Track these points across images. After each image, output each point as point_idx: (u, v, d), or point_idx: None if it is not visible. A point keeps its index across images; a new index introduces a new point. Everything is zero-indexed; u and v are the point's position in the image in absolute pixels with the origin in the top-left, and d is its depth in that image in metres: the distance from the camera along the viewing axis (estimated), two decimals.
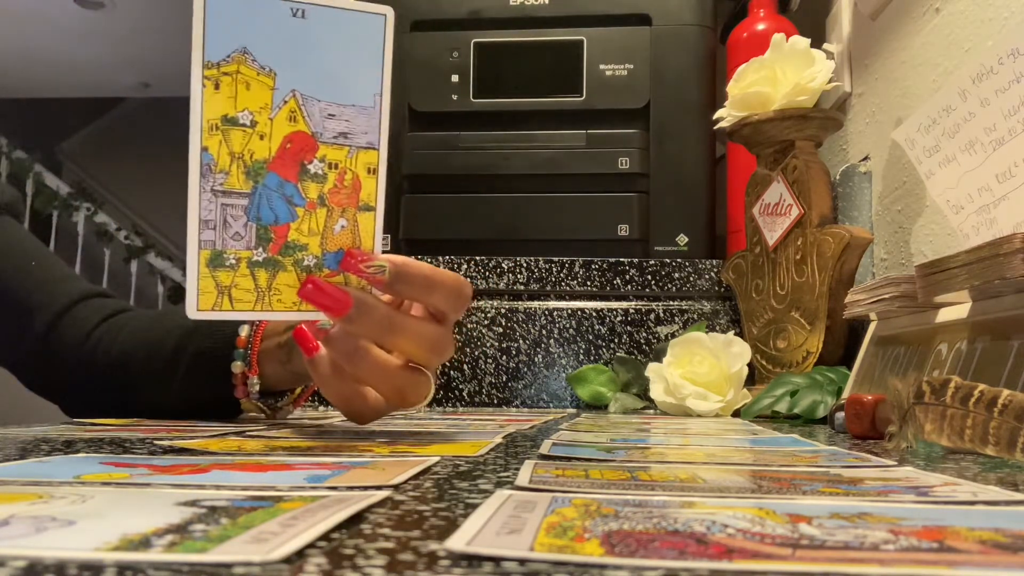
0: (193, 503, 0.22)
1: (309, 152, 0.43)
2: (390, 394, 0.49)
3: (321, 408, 0.99)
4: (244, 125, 0.41)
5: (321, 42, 0.43)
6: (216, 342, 0.62)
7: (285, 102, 0.42)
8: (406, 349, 0.47)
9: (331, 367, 0.48)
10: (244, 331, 0.61)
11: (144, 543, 0.18)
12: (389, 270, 0.44)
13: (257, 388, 0.60)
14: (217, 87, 0.41)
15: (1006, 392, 0.37)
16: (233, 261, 0.42)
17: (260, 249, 0.43)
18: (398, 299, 0.48)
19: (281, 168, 0.42)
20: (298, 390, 0.65)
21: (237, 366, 0.60)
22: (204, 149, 0.41)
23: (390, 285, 0.45)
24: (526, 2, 1.17)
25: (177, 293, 5.13)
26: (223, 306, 0.42)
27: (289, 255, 0.43)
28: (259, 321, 0.61)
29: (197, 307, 0.42)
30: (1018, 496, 0.27)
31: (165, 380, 0.64)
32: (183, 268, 5.17)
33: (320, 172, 0.43)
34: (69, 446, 0.40)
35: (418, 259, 0.46)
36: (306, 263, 0.44)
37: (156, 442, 0.43)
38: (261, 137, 0.42)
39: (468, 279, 1.09)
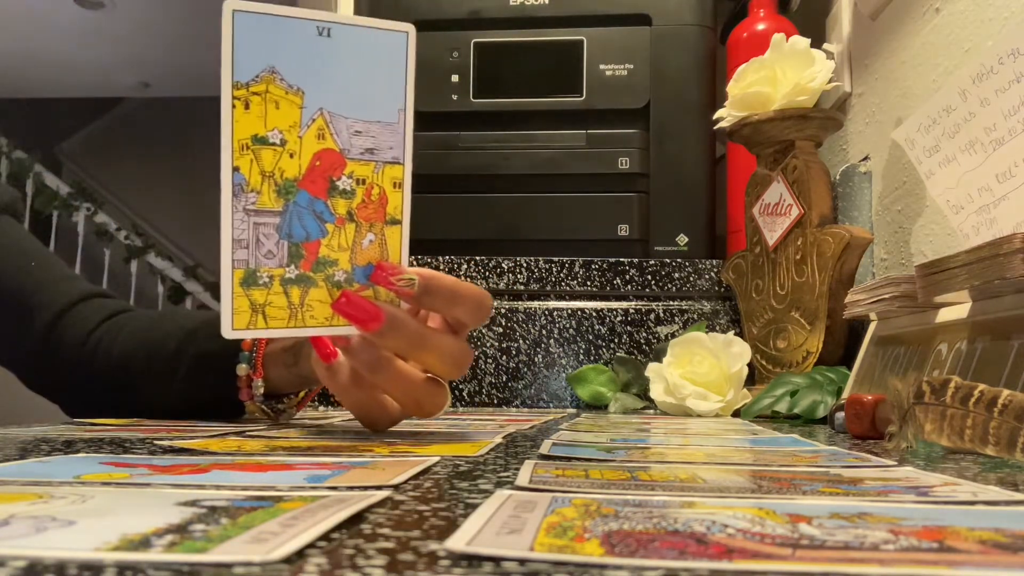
0: (193, 503, 0.22)
1: (337, 169, 0.44)
2: (408, 404, 0.49)
3: (321, 408, 0.99)
4: (274, 144, 0.42)
5: (346, 60, 0.43)
6: (219, 344, 0.61)
7: (313, 120, 0.43)
8: (431, 363, 0.48)
9: (350, 375, 0.48)
10: None
11: (144, 543, 0.18)
12: (418, 283, 0.45)
13: (262, 391, 0.61)
14: (247, 107, 0.41)
15: (1006, 392, 0.37)
16: (267, 279, 0.42)
17: (292, 266, 0.43)
18: (416, 308, 0.49)
19: (311, 185, 0.43)
20: (301, 394, 0.65)
21: (242, 368, 0.60)
22: (236, 169, 0.41)
23: (418, 298, 0.45)
24: (526, 2, 1.17)
25: (177, 293, 5.13)
26: (258, 324, 0.43)
27: (320, 271, 0.44)
28: None
29: (233, 326, 0.42)
30: (1018, 496, 0.27)
31: (166, 381, 0.64)
32: (183, 268, 5.15)
33: (348, 188, 0.44)
34: (69, 446, 0.40)
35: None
36: (337, 278, 0.44)
37: (156, 442, 0.43)
38: (291, 155, 0.42)
39: (468, 279, 1.09)
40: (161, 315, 0.71)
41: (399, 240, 0.46)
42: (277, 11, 0.41)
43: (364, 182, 0.44)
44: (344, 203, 0.44)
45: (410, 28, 0.45)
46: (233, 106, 0.41)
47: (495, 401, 1.07)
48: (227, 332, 0.42)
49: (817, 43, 0.94)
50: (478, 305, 0.47)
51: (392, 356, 0.47)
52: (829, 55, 0.96)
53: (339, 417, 0.71)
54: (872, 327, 0.78)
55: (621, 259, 1.09)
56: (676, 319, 1.07)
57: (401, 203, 0.45)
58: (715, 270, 1.08)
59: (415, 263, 1.10)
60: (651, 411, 0.95)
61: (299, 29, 0.42)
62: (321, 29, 0.42)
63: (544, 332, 1.08)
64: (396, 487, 0.27)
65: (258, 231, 0.42)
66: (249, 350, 0.60)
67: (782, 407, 0.78)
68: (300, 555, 0.17)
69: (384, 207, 0.45)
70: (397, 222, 0.46)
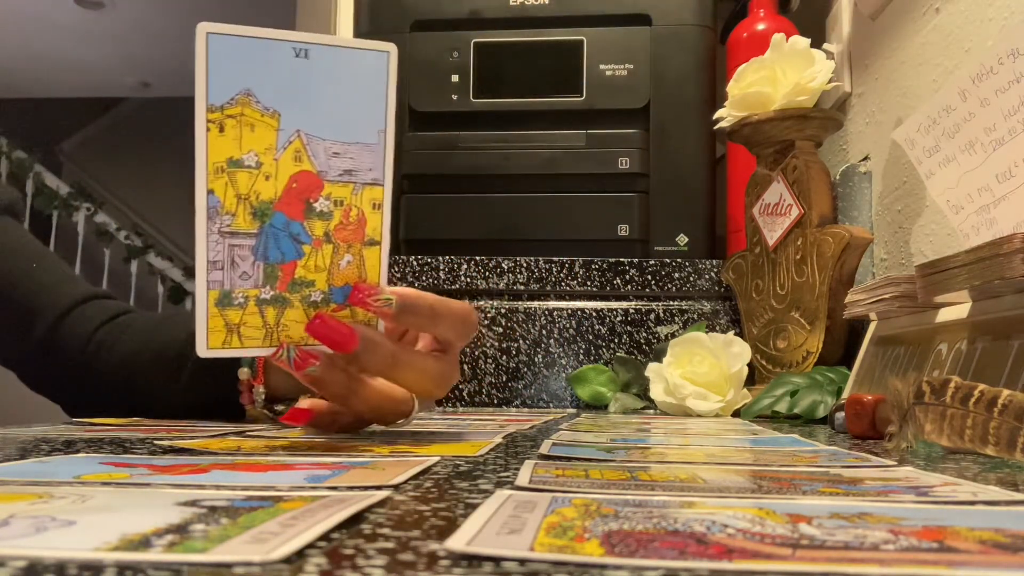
0: (193, 503, 0.22)
1: (315, 191, 0.43)
2: (376, 418, 0.50)
3: None
4: (250, 167, 0.42)
5: (324, 81, 0.43)
6: None
7: (290, 142, 0.42)
8: (409, 383, 0.48)
9: (330, 418, 0.49)
10: None
11: (144, 543, 0.18)
12: (396, 302, 0.45)
13: (263, 397, 0.61)
14: (222, 130, 0.41)
15: (1006, 392, 0.37)
16: (241, 300, 0.43)
17: (268, 287, 0.43)
18: (402, 329, 0.49)
19: (287, 207, 0.43)
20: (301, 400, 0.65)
21: (244, 372, 0.61)
22: (210, 192, 0.41)
23: (396, 317, 0.45)
24: (526, 2, 1.17)
25: (177, 293, 5.13)
26: (232, 344, 0.43)
27: (296, 292, 0.44)
28: None
29: (207, 345, 0.42)
30: (1018, 496, 0.27)
31: (169, 383, 0.64)
32: (183, 268, 5.14)
33: (326, 210, 0.44)
34: (69, 446, 0.40)
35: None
36: (313, 299, 0.44)
37: (156, 442, 0.43)
38: (267, 178, 0.42)
39: (468, 279, 1.09)
40: (164, 318, 0.71)
41: (378, 261, 0.46)
42: (252, 33, 0.41)
43: (342, 203, 0.44)
44: (321, 224, 0.44)
45: (391, 48, 0.44)
46: (208, 129, 0.40)
47: (495, 401, 1.07)
48: (202, 351, 0.42)
49: (817, 43, 0.94)
50: (461, 321, 0.48)
51: (361, 378, 0.47)
52: (829, 55, 0.96)
53: None
54: (872, 327, 0.78)
55: (621, 259, 1.09)
56: (676, 319, 1.07)
57: (380, 224, 0.45)
58: (715, 270, 1.08)
59: (415, 263, 1.10)
60: (651, 411, 0.95)
61: (275, 51, 0.42)
62: (298, 51, 0.42)
63: (544, 332, 1.08)
64: (396, 487, 0.27)
65: (233, 252, 0.42)
66: None
67: (782, 407, 0.78)
68: (300, 555, 0.17)
69: (363, 228, 0.45)
70: (376, 243, 0.46)
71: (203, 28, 0.40)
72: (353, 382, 0.46)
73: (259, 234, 0.42)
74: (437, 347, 0.49)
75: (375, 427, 0.54)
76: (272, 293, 0.43)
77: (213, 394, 0.63)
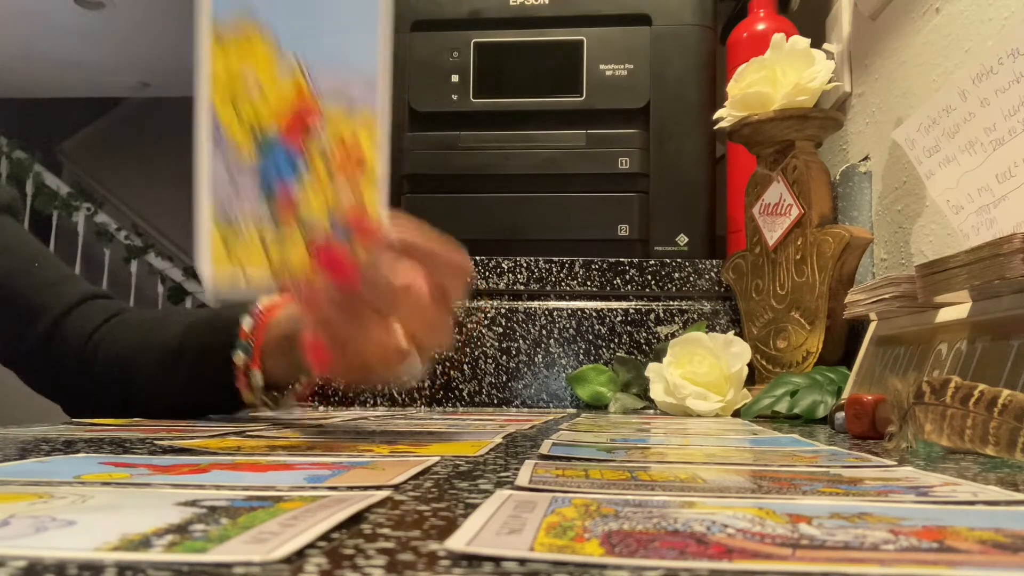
0: (193, 503, 0.22)
1: (314, 121, 0.43)
2: (379, 366, 0.49)
3: (321, 408, 0.99)
4: (251, 94, 0.42)
5: (323, 10, 0.43)
6: (218, 336, 0.62)
7: (291, 69, 0.42)
8: (405, 323, 0.47)
9: (340, 364, 0.48)
10: (247, 324, 0.61)
11: (144, 543, 0.18)
12: (395, 237, 0.44)
13: (261, 382, 0.61)
14: (225, 55, 0.41)
15: (1006, 392, 0.37)
16: (244, 231, 0.42)
17: (271, 219, 0.42)
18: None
19: (288, 136, 0.43)
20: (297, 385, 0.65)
21: (240, 357, 0.60)
22: (214, 114, 0.41)
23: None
24: (526, 2, 1.17)
25: (177, 293, 5.13)
26: (238, 282, 0.42)
27: (298, 225, 0.43)
28: (262, 311, 0.61)
29: (214, 279, 0.42)
30: (1018, 496, 0.27)
31: (170, 376, 0.64)
32: (183, 268, 5.12)
33: (325, 143, 0.43)
34: (69, 446, 0.40)
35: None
36: (315, 233, 0.44)
37: (156, 442, 0.43)
38: (267, 106, 0.42)
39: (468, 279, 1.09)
40: (161, 315, 0.72)
41: (376, 195, 0.45)
42: None
43: (341, 136, 0.44)
44: (321, 157, 0.43)
45: None
46: (212, 52, 0.40)
47: (495, 401, 1.07)
48: (209, 290, 0.42)
49: (817, 43, 0.94)
50: (455, 265, 0.48)
51: (362, 323, 0.46)
52: (829, 55, 0.96)
53: (339, 417, 0.71)
54: (872, 327, 0.78)
55: (621, 259, 1.09)
56: (676, 319, 1.07)
57: (377, 160, 0.45)
58: (715, 270, 1.08)
59: None
60: (651, 411, 0.95)
61: None
62: None
63: (544, 332, 1.08)
64: (396, 487, 0.27)
65: (236, 180, 0.42)
66: (247, 340, 0.61)
67: (782, 407, 0.78)
68: (300, 555, 0.17)
69: (362, 162, 0.44)
70: (374, 177, 0.45)
71: None
72: (355, 324, 0.46)
73: (260, 163, 0.42)
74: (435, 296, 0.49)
75: (374, 427, 0.54)
76: (274, 228, 0.43)
77: (212, 383, 0.63)
